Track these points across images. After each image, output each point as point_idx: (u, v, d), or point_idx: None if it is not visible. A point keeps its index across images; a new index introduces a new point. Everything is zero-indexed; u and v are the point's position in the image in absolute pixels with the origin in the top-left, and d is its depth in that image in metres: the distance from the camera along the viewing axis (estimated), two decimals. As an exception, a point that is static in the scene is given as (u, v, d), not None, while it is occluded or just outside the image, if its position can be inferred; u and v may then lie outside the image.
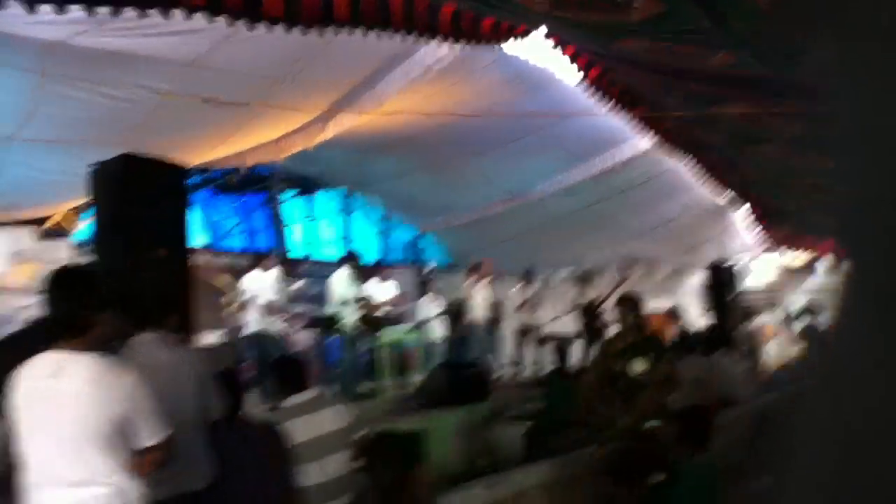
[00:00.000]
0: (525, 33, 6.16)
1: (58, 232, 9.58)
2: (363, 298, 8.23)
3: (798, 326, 11.53)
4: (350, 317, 7.83)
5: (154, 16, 4.58)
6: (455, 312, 11.72)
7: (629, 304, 4.95)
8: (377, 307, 8.74)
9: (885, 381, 0.49)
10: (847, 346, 0.54)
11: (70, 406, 2.39)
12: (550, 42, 6.53)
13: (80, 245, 9.46)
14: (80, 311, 2.49)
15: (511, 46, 6.33)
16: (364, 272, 8.57)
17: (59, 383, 2.40)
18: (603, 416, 4.73)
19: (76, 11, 4.30)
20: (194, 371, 3.17)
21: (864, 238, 0.53)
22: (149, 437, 2.51)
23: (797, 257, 12.27)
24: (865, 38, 0.52)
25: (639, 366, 4.62)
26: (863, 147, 0.53)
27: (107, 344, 2.66)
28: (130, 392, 2.47)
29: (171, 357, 3.16)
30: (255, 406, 6.47)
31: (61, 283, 2.55)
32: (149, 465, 2.54)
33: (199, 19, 4.69)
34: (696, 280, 13.70)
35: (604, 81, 7.12)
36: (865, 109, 0.52)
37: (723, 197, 10.22)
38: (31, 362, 2.48)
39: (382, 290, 9.43)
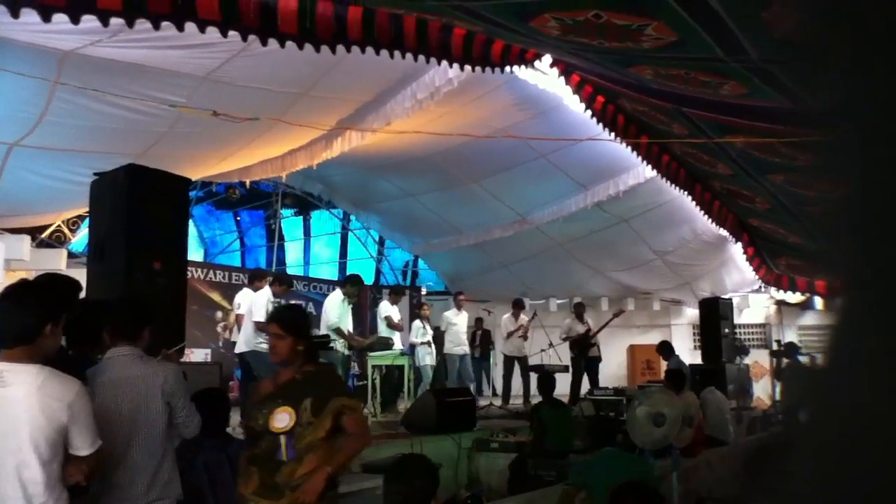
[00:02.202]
0: (536, 58, 6.19)
1: (55, 241, 9.51)
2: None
3: (782, 363, 11.50)
4: (341, 339, 7.71)
5: (168, 28, 4.57)
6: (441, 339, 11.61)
7: (283, 323, 3.12)
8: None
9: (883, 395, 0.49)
10: (845, 361, 0.54)
11: (17, 414, 2.39)
12: (555, 70, 6.58)
13: (76, 255, 9.38)
14: (25, 321, 2.50)
15: (521, 71, 6.35)
16: (370, 294, 8.37)
17: (6, 391, 2.40)
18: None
19: (90, 22, 4.28)
20: (166, 387, 3.11)
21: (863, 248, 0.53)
22: (83, 447, 2.52)
23: (795, 293, 12.23)
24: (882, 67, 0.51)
25: (281, 421, 2.95)
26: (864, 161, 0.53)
27: (52, 355, 2.62)
28: (73, 401, 2.47)
29: (143, 371, 3.10)
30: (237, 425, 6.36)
31: (10, 295, 2.57)
32: (78, 475, 2.54)
33: (213, 33, 4.68)
34: (690, 314, 13.71)
35: (609, 110, 7.16)
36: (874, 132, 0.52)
37: (723, 230, 10.21)
38: None
39: (396, 314, 9.31)
